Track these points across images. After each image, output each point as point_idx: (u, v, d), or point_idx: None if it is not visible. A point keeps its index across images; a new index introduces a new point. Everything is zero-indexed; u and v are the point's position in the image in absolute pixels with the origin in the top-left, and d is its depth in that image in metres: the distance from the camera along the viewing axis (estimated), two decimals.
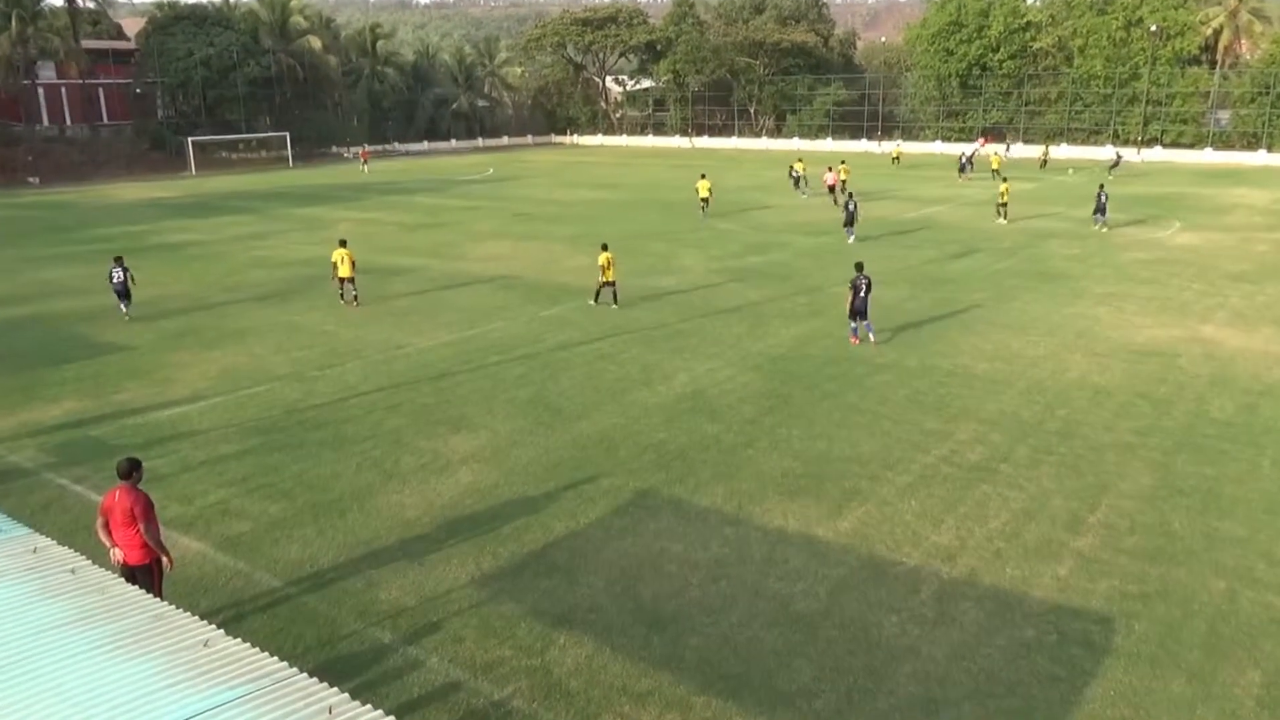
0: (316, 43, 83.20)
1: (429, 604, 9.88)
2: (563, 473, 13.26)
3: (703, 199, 40.56)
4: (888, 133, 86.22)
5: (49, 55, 71.73)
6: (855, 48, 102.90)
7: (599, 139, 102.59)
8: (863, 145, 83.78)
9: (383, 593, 10.09)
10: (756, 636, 9.23)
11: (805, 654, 8.95)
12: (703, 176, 41.26)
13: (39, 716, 4.95)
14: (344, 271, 23.91)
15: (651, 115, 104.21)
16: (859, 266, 19.92)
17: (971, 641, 9.10)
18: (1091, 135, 75.91)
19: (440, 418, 15.61)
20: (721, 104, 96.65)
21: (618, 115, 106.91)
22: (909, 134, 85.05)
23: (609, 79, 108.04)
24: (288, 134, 77.91)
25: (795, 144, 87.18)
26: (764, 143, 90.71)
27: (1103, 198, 35.17)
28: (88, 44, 76.35)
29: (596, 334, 20.77)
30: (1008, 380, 17.11)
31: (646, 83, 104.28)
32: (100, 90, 78.29)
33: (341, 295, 24.37)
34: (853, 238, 33.27)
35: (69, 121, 76.36)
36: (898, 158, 69.51)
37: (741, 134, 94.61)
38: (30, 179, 64.25)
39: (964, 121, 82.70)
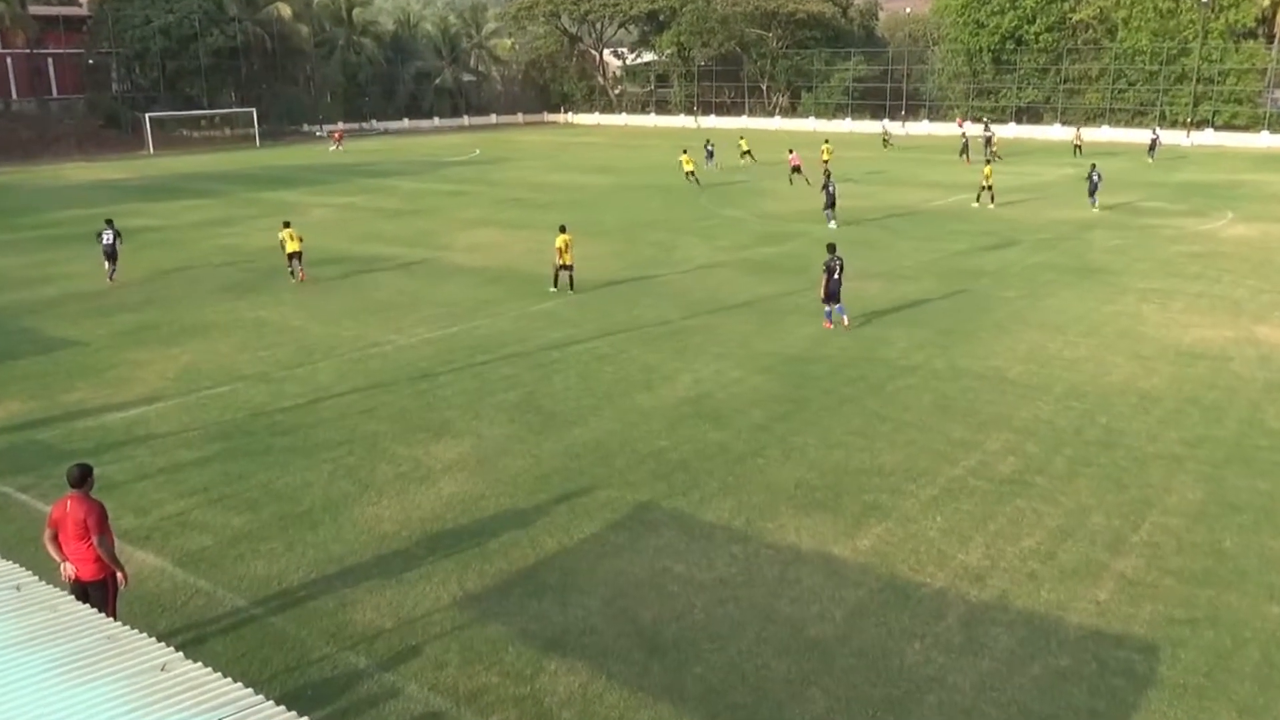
0: (286, 10, 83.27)
1: (408, 626, 9.89)
2: (554, 483, 13.28)
3: (688, 172, 45.13)
4: (912, 112, 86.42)
5: None
6: (877, 19, 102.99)
7: (596, 117, 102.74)
8: (884, 125, 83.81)
9: (357, 613, 10.09)
10: (766, 664, 9.25)
11: (819, 684, 8.96)
12: (684, 151, 44.81)
13: None
14: (291, 247, 25.93)
15: (654, 92, 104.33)
16: (831, 248, 21.03)
17: (1002, 671, 9.11)
18: (1136, 116, 75.99)
19: (421, 422, 15.63)
20: (730, 80, 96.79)
21: (616, 92, 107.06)
22: (936, 113, 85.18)
23: (607, 52, 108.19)
24: (254, 110, 78.00)
25: (811, 123, 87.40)
26: (777, 122, 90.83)
27: (1095, 178, 37.30)
28: (35, 10, 76.35)
29: (592, 331, 20.80)
30: (1043, 385, 17.14)
31: (648, 56, 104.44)
32: (50, 61, 78.34)
33: (292, 273, 26.24)
34: (834, 222, 33.77)
35: (15, 95, 76.46)
36: (887, 139, 69.77)
37: (753, 113, 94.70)
38: None
39: (996, 100, 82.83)
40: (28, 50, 75.42)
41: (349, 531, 11.96)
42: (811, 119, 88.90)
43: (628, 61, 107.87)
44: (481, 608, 10.22)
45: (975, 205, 38.75)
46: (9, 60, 75.95)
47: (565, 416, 15.80)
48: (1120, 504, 12.48)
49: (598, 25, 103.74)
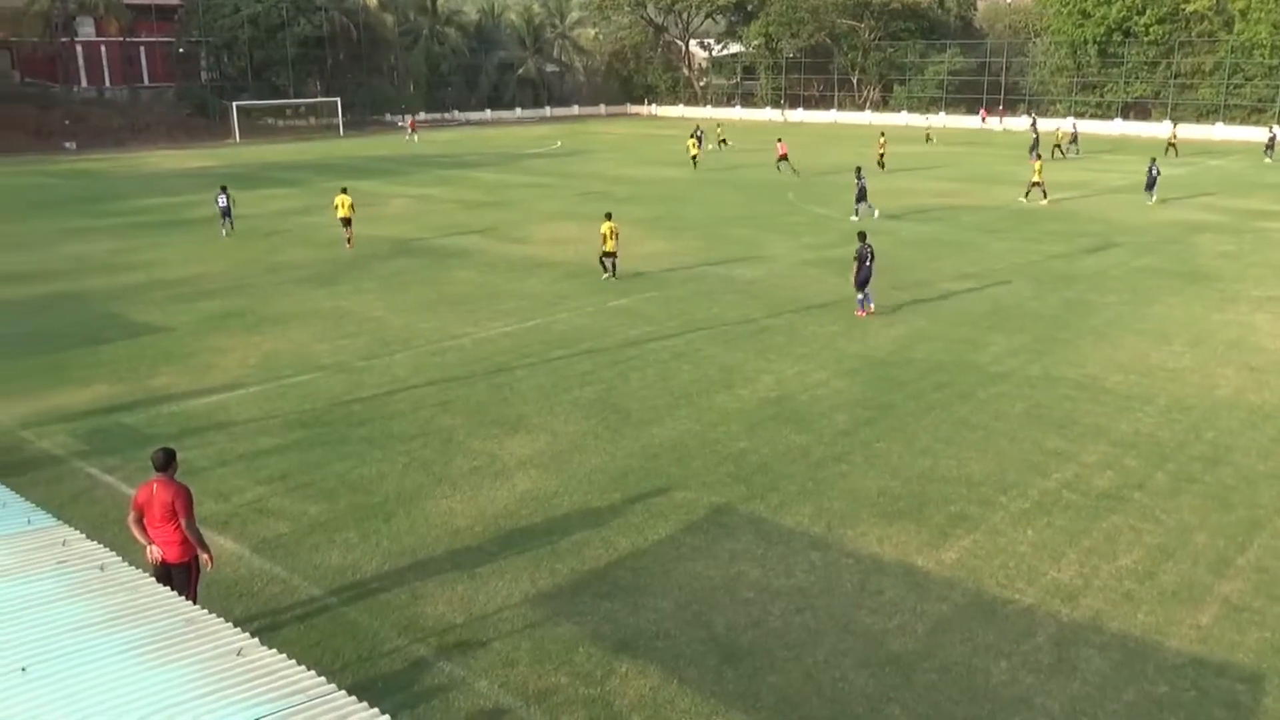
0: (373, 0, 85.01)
1: (478, 622, 10.02)
2: (630, 483, 13.33)
3: (781, 157, 47.81)
4: (1010, 107, 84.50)
5: (88, 10, 74.73)
6: (976, 9, 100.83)
7: (679, 109, 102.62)
8: (927, 120, 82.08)
9: (429, 607, 10.27)
10: (844, 677, 9.15)
11: (899, 700, 8.84)
12: (692, 135, 46.60)
13: None
14: (343, 213, 29.69)
15: (739, 84, 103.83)
16: (861, 236, 22.02)
17: (1094, 695, 8.87)
18: (1253, 114, 73.16)
19: (496, 417, 15.82)
20: (820, 73, 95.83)
21: (701, 84, 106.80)
22: (1036, 108, 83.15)
23: (693, 43, 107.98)
24: (338, 100, 79.73)
25: (904, 117, 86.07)
26: (867, 116, 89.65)
27: (1154, 171, 38.26)
28: None
29: (671, 329, 20.82)
30: (1145, 396, 16.63)
31: (735, 47, 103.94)
32: (141, 49, 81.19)
33: (348, 240, 29.94)
34: (860, 214, 34.58)
35: (108, 83, 79.40)
36: (930, 137, 69.98)
37: (842, 106, 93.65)
38: (66, 144, 66.93)
39: (1101, 95, 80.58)
40: (121, 39, 78.35)
41: (422, 524, 12.17)
42: (904, 113, 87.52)
43: (714, 52, 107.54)
44: (552, 606, 10.31)
45: (1023, 200, 38.86)
46: (103, 49, 78.95)
47: (642, 415, 15.84)
48: (1226, 524, 12.05)
49: (684, 15, 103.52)
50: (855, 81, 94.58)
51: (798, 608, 10.27)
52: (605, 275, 25.50)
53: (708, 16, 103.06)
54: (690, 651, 9.52)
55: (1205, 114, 74.03)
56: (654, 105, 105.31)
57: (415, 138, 71.42)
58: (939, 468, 13.75)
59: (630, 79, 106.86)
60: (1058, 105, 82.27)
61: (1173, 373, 17.82)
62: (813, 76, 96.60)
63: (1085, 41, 79.50)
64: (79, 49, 77.46)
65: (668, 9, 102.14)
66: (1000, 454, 14.22)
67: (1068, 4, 79.37)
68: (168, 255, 29.56)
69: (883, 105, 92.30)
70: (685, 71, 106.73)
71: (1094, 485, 13.15)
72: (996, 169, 51.59)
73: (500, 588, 10.67)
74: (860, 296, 21.69)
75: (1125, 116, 78.07)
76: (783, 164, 48.20)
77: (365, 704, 5.55)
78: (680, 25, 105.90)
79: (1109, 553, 11.36)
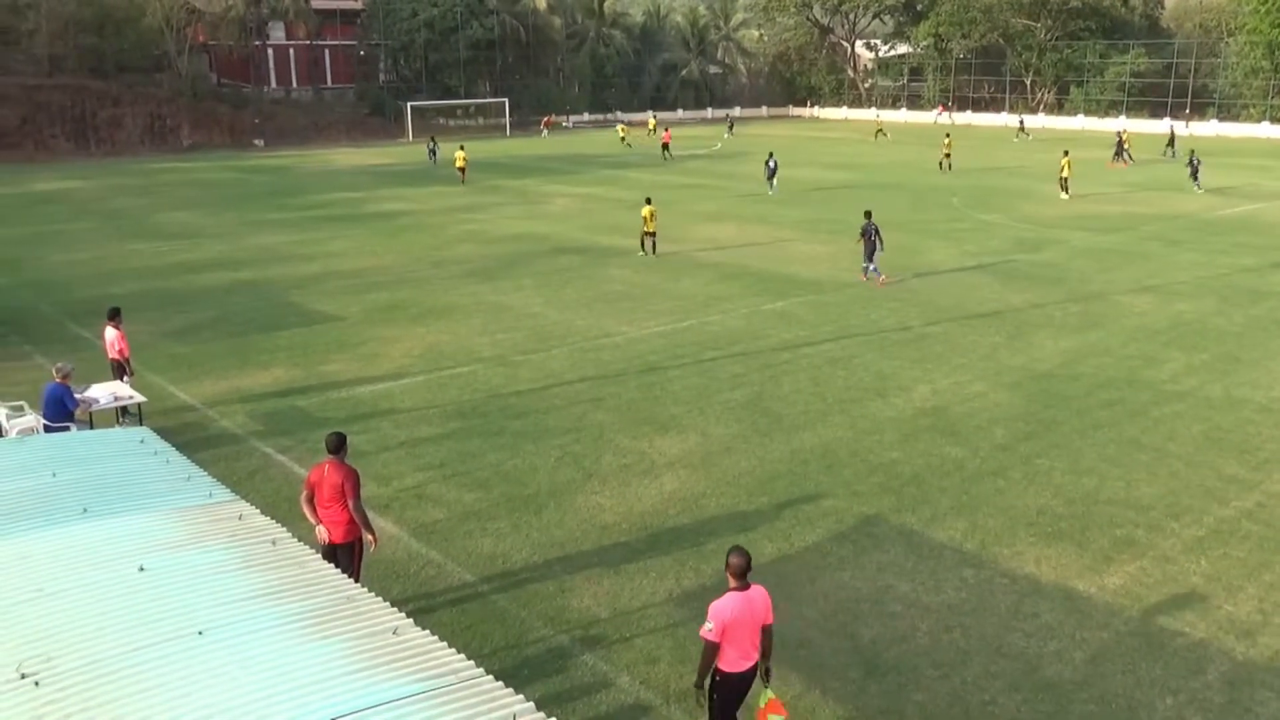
0: (542, 2, 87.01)
1: (623, 617, 10.13)
2: (778, 488, 13.22)
3: (621, 137, 54.05)
4: (1198, 111, 79.66)
5: (279, 15, 79.23)
6: (1163, 7, 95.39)
7: (843, 112, 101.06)
8: (1166, 125, 77.75)
9: (575, 599, 10.44)
10: (994, 700, 8.83)
11: None
12: (1066, 154, 41.48)
13: (225, 686, 5.49)
14: (459, 163, 38.77)
15: (906, 86, 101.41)
16: (867, 215, 24.95)
17: None
18: None
19: (647, 415, 15.96)
20: (991, 74, 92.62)
21: (866, 85, 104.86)
22: (1227, 112, 78.20)
23: (858, 43, 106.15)
24: (506, 101, 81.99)
25: (1079, 121, 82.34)
26: (1041, 119, 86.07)
27: (1195, 161, 41.60)
28: (317, 4, 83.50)
29: (827, 334, 20.53)
30: None
31: (902, 48, 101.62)
32: (326, 52, 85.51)
33: (463, 180, 35.31)
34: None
35: (294, 84, 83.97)
36: (881, 131, 72.91)
37: (1014, 109, 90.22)
38: (255, 141, 71.16)
39: None
40: (308, 42, 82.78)
41: (571, 518, 12.38)
42: (1080, 116, 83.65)
43: (880, 53, 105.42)
44: (696, 607, 10.30)
45: (1065, 197, 39.75)
46: (291, 51, 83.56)
47: (793, 420, 15.69)
48: None
49: (851, 16, 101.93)
50: (1029, 83, 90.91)
51: (947, 625, 9.97)
52: (641, 254, 28.55)
53: (875, 17, 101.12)
54: (834, 662, 9.38)
55: None
56: (816, 107, 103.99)
57: (546, 133, 75.25)
58: (1105, 489, 13.10)
59: (793, 81, 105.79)
60: (1251, 109, 77.05)
61: None
62: (983, 78, 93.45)
63: None
64: (270, 52, 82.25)
65: (834, 10, 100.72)
66: (1174, 477, 13.43)
67: (1265, 1, 74.16)
68: (343, 248, 31.05)
69: (1057, 108, 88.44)
70: (850, 73, 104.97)
71: (1278, 516, 12.27)
72: (1182, 175, 48.76)
73: (645, 585, 10.76)
74: (866, 265, 25.13)
75: None
76: (665, 153, 56.90)
77: (511, 690, 5.69)
78: (846, 26, 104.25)
79: None
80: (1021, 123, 75.71)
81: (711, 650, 7.37)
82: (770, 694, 7.67)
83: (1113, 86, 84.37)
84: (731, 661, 7.44)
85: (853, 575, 10.95)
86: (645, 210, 28.60)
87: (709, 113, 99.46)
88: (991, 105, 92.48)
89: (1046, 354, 19.09)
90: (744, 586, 7.43)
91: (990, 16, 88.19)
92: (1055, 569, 11.05)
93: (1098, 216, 35.76)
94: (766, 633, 7.58)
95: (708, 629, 7.33)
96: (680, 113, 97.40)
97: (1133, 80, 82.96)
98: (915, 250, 29.78)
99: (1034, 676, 9.16)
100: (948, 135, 54.61)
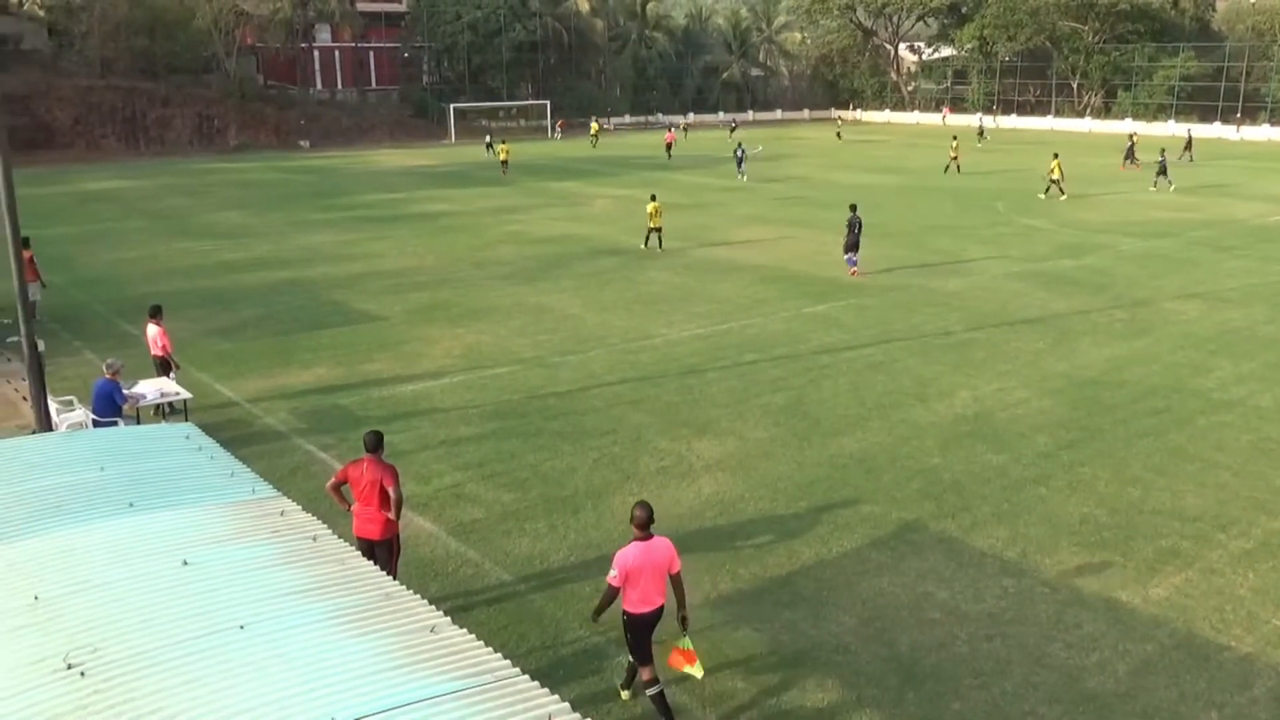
0: (585, 4, 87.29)
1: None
2: (816, 492, 13.14)
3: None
4: (1250, 115, 78.20)
5: (325, 18, 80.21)
6: (1214, 10, 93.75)
7: (886, 115, 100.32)
8: (1216, 130, 76.43)
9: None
10: (1034, 711, 8.71)
11: None
12: (1056, 156, 41.70)
13: (266, 680, 5.54)
14: (502, 155, 37.49)
15: (949, 89, 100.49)
16: (853, 208, 25.96)
17: None
18: None
19: (685, 418, 15.94)
20: (1036, 77, 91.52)
21: (910, 88, 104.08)
22: (1279, 117, 76.69)
23: (902, 46, 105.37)
24: (548, 103, 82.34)
25: (1127, 125, 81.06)
26: (1088, 124, 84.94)
27: (1164, 159, 43.24)
28: (362, 6, 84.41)
29: (867, 338, 20.40)
30: None
31: (946, 51, 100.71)
32: (370, 54, 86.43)
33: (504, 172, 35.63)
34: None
35: (340, 85, 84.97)
36: (839, 134, 75.76)
37: (1060, 112, 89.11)
38: (301, 142, 72.01)
39: None
40: (354, 44, 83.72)
41: (608, 520, 12.39)
42: (1128, 120, 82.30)
43: (924, 56, 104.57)
44: (732, 611, 10.29)
45: (1042, 197, 40.71)
46: (337, 54, 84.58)
47: (832, 424, 15.59)
48: None
49: (894, 18, 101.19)
50: (1075, 86, 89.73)
51: (987, 634, 9.85)
52: (644, 247, 29.94)
53: (919, 19, 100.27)
54: (871, 669, 9.30)
55: None
56: (859, 110, 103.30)
57: (559, 136, 77.15)
58: (1150, 498, 12.89)
59: (836, 83, 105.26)
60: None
61: None
62: (1029, 81, 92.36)
63: None
64: (315, 54, 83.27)
65: (877, 12, 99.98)
66: (1221, 488, 13.19)
67: None
68: (385, 248, 31.32)
69: (1104, 112, 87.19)
70: (893, 76, 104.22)
71: None
72: (1232, 179, 47.94)
73: None
74: (848, 258, 26.20)
75: None
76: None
77: (547, 690, 5.70)
78: (890, 29, 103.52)
79: None
80: (981, 127, 73.38)
81: (610, 593, 8.29)
82: (686, 643, 8.45)
83: (1162, 90, 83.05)
84: (634, 603, 8.27)
85: (891, 582, 10.86)
86: (650, 206, 29.78)
87: (751, 115, 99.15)
88: (1037, 109, 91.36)
89: (1091, 361, 18.83)
90: (646, 537, 8.25)
91: (1037, 19, 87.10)
92: (1098, 579, 10.88)
93: (1143, 222, 35.22)
94: (676, 581, 8.40)
95: (611, 575, 8.19)
96: (721, 115, 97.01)
97: (1182, 84, 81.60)
98: (959, 254, 29.50)
99: (1075, 688, 9.02)
100: (954, 138, 54.92)
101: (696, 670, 8.47)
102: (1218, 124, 77.56)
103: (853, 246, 25.99)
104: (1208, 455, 14.29)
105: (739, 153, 50.64)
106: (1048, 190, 41.03)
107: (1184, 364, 18.57)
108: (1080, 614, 10.21)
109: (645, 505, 8.33)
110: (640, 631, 8.36)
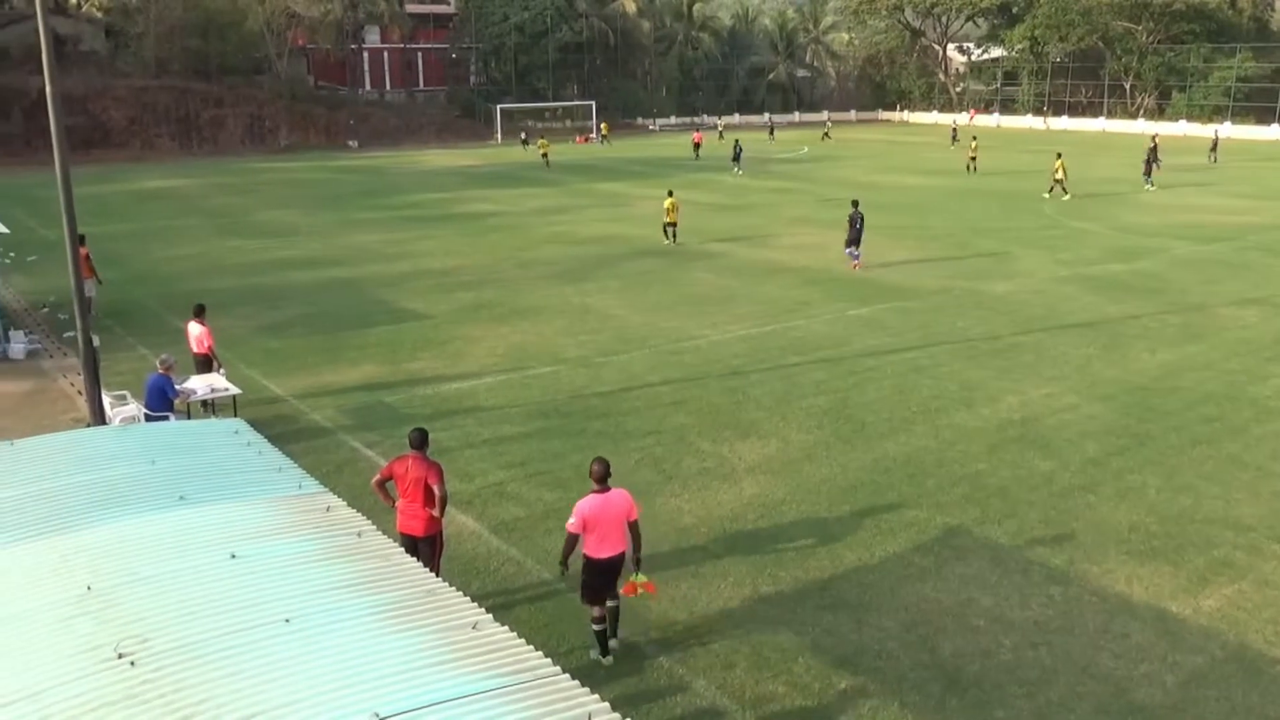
0: (631, 6, 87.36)
1: (699, 621, 10.10)
2: (859, 496, 13.05)
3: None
4: None
5: (375, 20, 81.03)
6: (1273, 9, 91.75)
7: (933, 116, 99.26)
8: (1274, 131, 74.79)
9: (652, 601, 10.42)
10: None
11: None
12: (1060, 156, 42.21)
13: (310, 673, 5.61)
14: (543, 149, 36.91)
15: (999, 90, 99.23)
16: (855, 204, 27.36)
17: None
18: None
19: (728, 420, 15.89)
20: (1088, 78, 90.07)
21: (958, 89, 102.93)
22: None
23: (951, 47, 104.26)
24: (593, 104, 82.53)
25: (1181, 126, 79.64)
26: (1140, 125, 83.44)
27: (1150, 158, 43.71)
28: (411, 8, 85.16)
29: (912, 341, 20.21)
30: None
31: (996, 51, 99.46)
32: (419, 55, 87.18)
33: (546, 166, 34.77)
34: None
35: (388, 86, 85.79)
36: (828, 134, 75.52)
37: (1112, 114, 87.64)
38: (350, 142, 72.80)
39: None
40: (402, 45, 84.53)
41: (649, 521, 12.34)
42: (1182, 122, 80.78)
43: (973, 57, 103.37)
44: (774, 613, 10.25)
45: (1046, 197, 40.96)
46: (385, 54, 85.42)
47: (876, 428, 15.47)
48: None
49: (943, 19, 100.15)
50: (1128, 88, 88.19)
51: (1032, 642, 9.72)
52: (667, 242, 30.89)
53: (968, 20, 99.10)
54: (914, 675, 9.22)
55: None
56: (906, 111, 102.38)
57: (573, 140, 76.97)
58: (1202, 507, 12.64)
59: (883, 84, 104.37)
60: None
61: None
62: (1080, 82, 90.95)
63: None
64: (365, 55, 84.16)
65: (926, 12, 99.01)
66: (1276, 498, 12.90)
67: None
68: (432, 247, 31.58)
69: (1158, 113, 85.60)
70: (941, 77, 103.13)
71: None
72: (1272, 184, 46.92)
73: (723, 589, 10.71)
74: (849, 251, 27.12)
75: None
76: (697, 150, 60.20)
77: (587, 689, 5.71)
78: (938, 29, 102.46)
79: None
80: (955, 130, 70.92)
81: (571, 540, 9.23)
82: (639, 578, 9.35)
83: (1217, 91, 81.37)
84: (593, 548, 9.17)
85: (934, 587, 10.75)
86: (667, 202, 31.05)
87: (797, 116, 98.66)
88: (1089, 110, 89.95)
89: (1143, 366, 18.51)
90: (604, 489, 9.24)
91: (1089, 19, 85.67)
92: (1147, 589, 10.70)
93: (1197, 225, 34.55)
94: (633, 528, 9.35)
95: (570, 522, 9.14)
96: (767, 116, 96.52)
97: (1239, 85, 79.94)
98: (1007, 257, 29.14)
99: (1123, 699, 8.87)
100: (974, 138, 56.22)
101: (647, 594, 9.56)
102: (1275, 125, 75.85)
103: (854, 241, 26.88)
104: (1263, 464, 13.99)
105: (738, 149, 53.12)
106: (1051, 190, 41.22)
107: (1240, 371, 18.20)
108: (1128, 624, 10.04)
109: (602, 460, 9.34)
110: (594, 575, 9.23)
